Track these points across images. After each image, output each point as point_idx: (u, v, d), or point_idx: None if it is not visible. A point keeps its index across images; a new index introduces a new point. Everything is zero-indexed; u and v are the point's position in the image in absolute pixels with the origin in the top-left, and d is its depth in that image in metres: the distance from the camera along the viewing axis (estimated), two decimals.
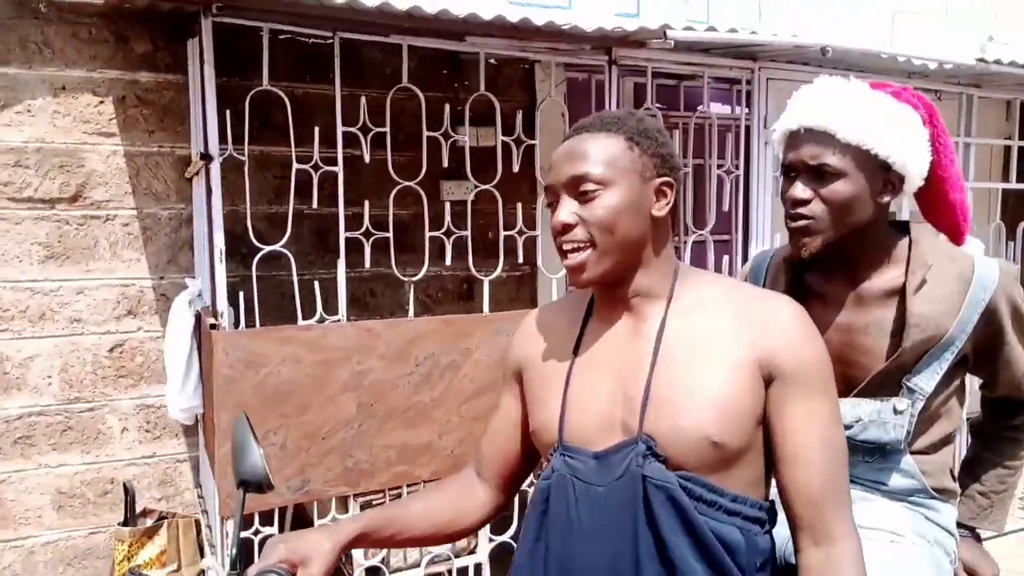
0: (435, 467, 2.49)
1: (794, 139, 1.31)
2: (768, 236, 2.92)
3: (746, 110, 3.95)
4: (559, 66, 3.12)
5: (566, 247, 1.10)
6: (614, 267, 1.10)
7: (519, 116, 2.68)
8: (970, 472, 1.52)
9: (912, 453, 1.37)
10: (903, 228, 1.41)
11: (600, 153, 1.08)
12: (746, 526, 1.05)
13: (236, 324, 2.37)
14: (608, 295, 1.16)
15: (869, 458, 1.38)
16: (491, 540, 2.65)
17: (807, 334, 1.07)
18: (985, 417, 1.52)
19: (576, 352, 1.18)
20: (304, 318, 2.41)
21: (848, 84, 1.33)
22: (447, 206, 2.73)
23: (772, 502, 1.11)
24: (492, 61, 2.93)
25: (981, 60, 2.74)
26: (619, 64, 2.68)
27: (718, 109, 3.29)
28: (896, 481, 1.37)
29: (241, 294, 2.36)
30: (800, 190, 1.29)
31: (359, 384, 2.38)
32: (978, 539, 1.53)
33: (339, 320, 2.43)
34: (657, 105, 2.88)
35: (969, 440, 1.60)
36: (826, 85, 1.33)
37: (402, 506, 1.29)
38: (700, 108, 3.03)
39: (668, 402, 1.05)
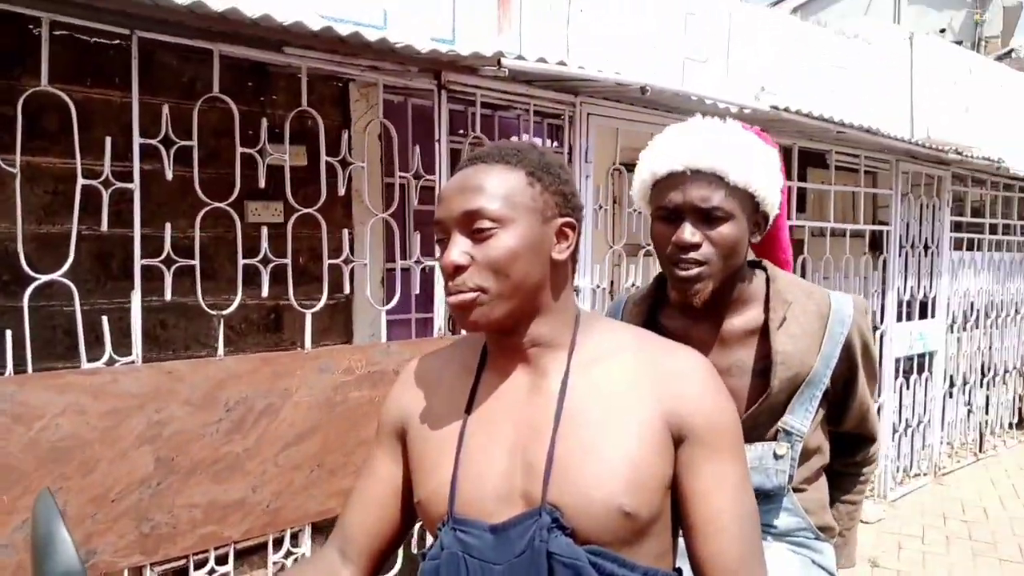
0: (248, 525, 2.22)
1: (677, 180, 1.25)
2: (590, 267, 2.97)
3: (555, 143, 4.04)
4: (373, 87, 2.98)
5: (452, 288, 0.98)
6: (508, 314, 0.99)
7: (344, 136, 2.49)
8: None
9: (794, 491, 1.38)
10: (758, 266, 1.42)
11: (498, 187, 0.98)
12: None
13: (2, 369, 1.95)
14: (503, 344, 1.05)
15: None
16: None
17: (717, 390, 1.01)
18: (832, 456, 1.53)
19: (469, 409, 1.05)
20: (89, 360, 2.04)
21: (725, 126, 1.31)
22: (257, 229, 2.47)
23: (679, 569, 1.05)
24: (300, 76, 2.71)
25: (774, 107, 3.02)
26: (447, 89, 2.59)
27: (535, 141, 3.32)
28: (783, 521, 1.37)
29: (9, 333, 1.94)
30: (690, 233, 1.24)
31: (157, 436, 2.06)
32: None
33: (133, 361, 2.08)
34: (480, 135, 2.83)
35: None
36: (704, 126, 1.30)
37: None
38: (525, 139, 3.03)
39: (574, 469, 0.95)
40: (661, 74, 3.84)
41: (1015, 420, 6.31)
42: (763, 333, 1.34)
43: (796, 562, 1.36)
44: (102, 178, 2.03)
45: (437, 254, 1.03)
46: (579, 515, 0.93)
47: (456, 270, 0.97)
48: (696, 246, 1.24)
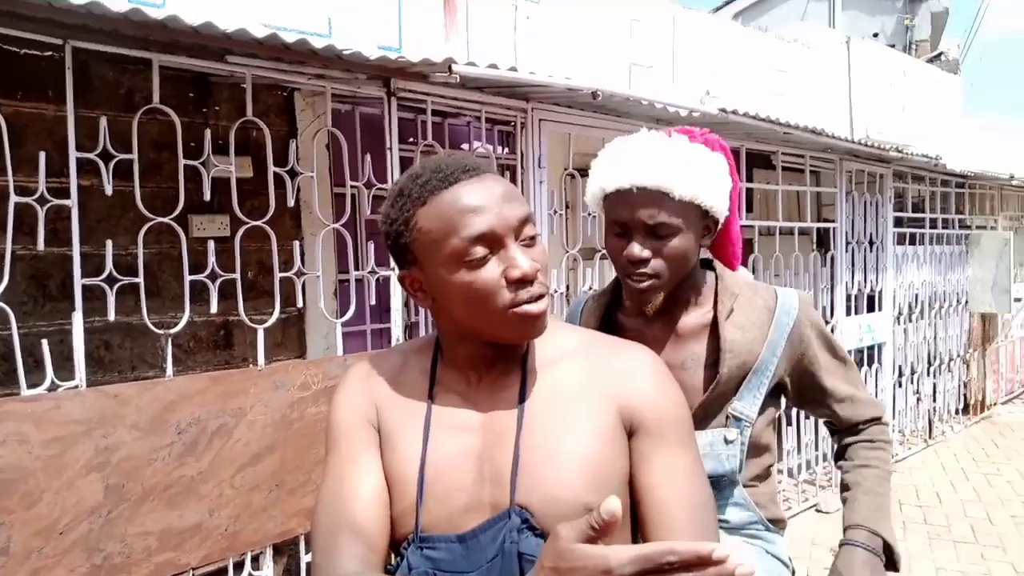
0: (207, 551, 2.13)
1: (625, 197, 1.30)
2: (551, 272, 2.96)
3: (505, 150, 4.02)
4: (320, 95, 2.92)
5: (529, 295, 0.95)
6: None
7: (292, 146, 2.43)
8: (849, 484, 1.47)
9: (744, 487, 1.41)
10: (708, 265, 1.47)
11: (522, 196, 1.01)
12: None
13: None
14: (465, 351, 1.03)
15: None
16: None
17: (665, 384, 1.03)
18: (839, 444, 1.54)
19: (428, 423, 1.02)
20: (29, 386, 1.94)
21: (670, 140, 1.34)
22: (202, 244, 2.39)
23: None
24: (243, 86, 2.64)
25: (722, 110, 3.06)
26: (397, 97, 2.55)
27: (482, 150, 3.29)
28: (734, 515, 1.40)
29: None
30: (639, 249, 1.29)
31: (106, 462, 1.97)
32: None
33: (76, 386, 1.99)
34: (432, 142, 2.79)
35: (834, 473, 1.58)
36: (648, 142, 1.33)
37: None
38: (477, 146, 3.01)
39: (540, 471, 0.95)
40: (609, 80, 3.85)
41: (961, 406, 6.50)
42: (714, 328, 1.40)
43: (752, 552, 1.39)
44: (37, 195, 1.94)
45: (516, 259, 0.95)
46: (547, 516, 0.93)
47: (533, 273, 0.96)
48: (645, 261, 1.29)
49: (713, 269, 1.46)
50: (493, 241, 0.95)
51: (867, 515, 1.38)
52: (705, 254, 1.46)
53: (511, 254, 0.95)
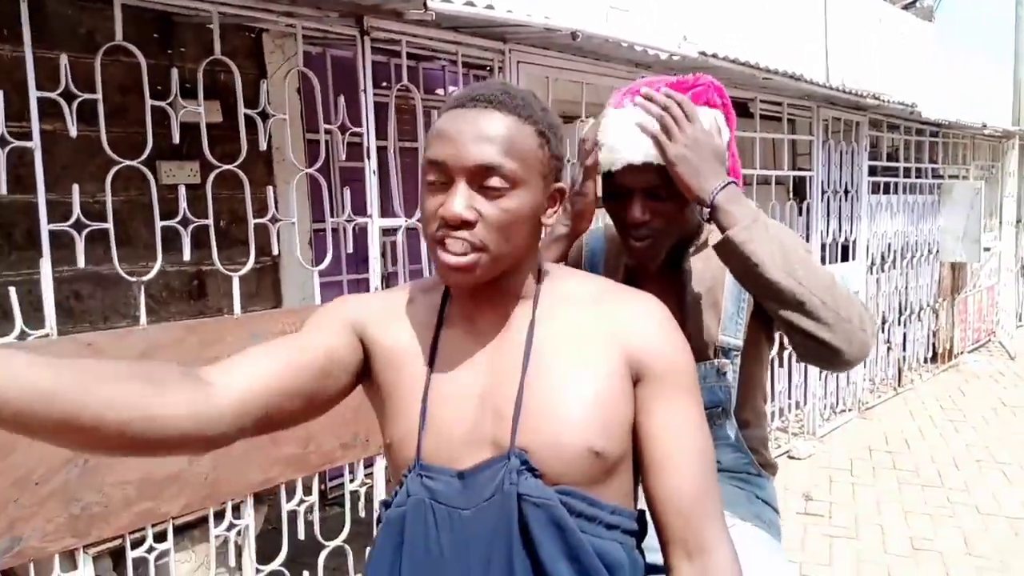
0: (186, 499, 2.11)
1: (624, 169, 1.29)
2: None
3: None
4: (290, 37, 2.83)
5: (451, 244, 0.92)
6: (498, 273, 0.97)
7: (263, 86, 2.35)
8: None
9: (739, 428, 1.41)
10: None
11: (515, 144, 0.92)
12: (626, 541, 0.98)
13: None
14: (472, 294, 1.01)
15: None
16: (259, 571, 2.33)
17: (672, 333, 1.03)
18: None
19: (435, 355, 1.02)
20: None
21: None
22: (172, 191, 2.31)
23: (642, 511, 1.04)
24: (209, 26, 2.53)
25: (702, 53, 3.02)
26: (371, 37, 2.47)
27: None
28: (728, 457, 1.40)
29: None
30: (639, 211, 1.31)
31: None
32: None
33: (48, 335, 1.93)
34: (408, 84, 2.72)
35: None
36: (642, 116, 1.29)
37: (86, 372, 0.78)
38: (452, 91, 2.93)
39: (544, 412, 0.94)
40: (587, 23, 3.78)
41: (929, 355, 6.64)
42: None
43: (742, 496, 1.41)
44: None
45: (423, 197, 0.95)
46: (550, 457, 0.93)
47: (462, 224, 0.91)
48: (645, 223, 1.31)
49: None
50: (444, 172, 0.92)
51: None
52: None
53: (452, 192, 0.92)
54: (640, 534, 1.02)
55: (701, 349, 1.37)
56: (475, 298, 1.02)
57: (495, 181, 0.91)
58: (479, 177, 0.91)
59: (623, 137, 1.30)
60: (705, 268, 1.38)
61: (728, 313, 1.38)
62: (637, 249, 1.35)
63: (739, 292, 1.36)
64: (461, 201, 0.91)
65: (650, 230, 1.32)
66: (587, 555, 0.91)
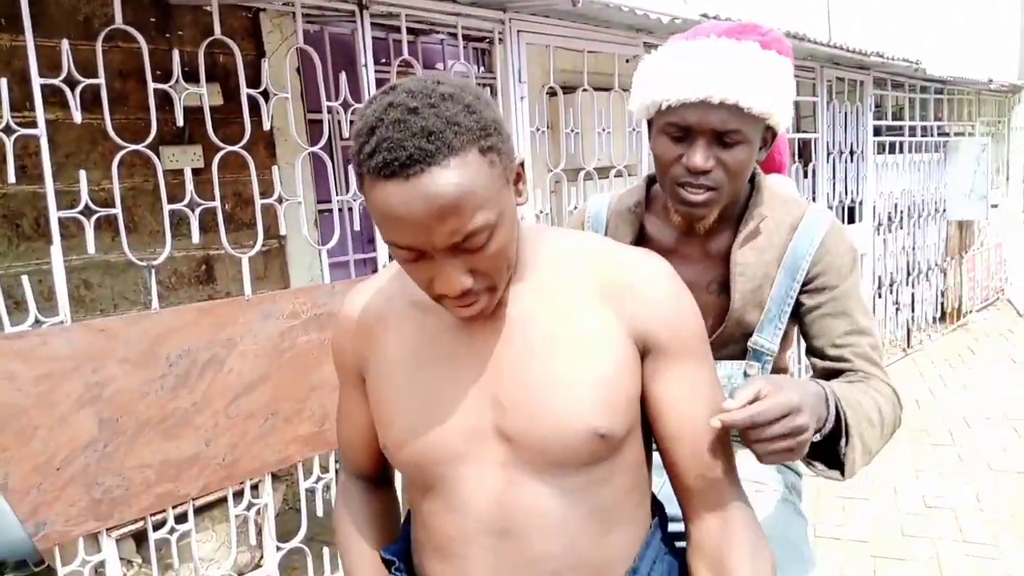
0: (205, 480, 2.14)
1: (691, 105, 1.16)
2: (531, 192, 2.92)
3: (481, 68, 3.91)
4: (288, 16, 2.80)
5: (461, 311, 0.90)
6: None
7: (264, 66, 2.33)
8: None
9: None
10: (751, 177, 1.34)
11: (474, 193, 0.80)
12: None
13: None
14: None
15: None
16: (279, 549, 2.37)
17: (679, 296, 0.97)
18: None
19: (425, 346, 0.98)
20: (12, 324, 1.89)
21: (742, 46, 1.19)
22: (177, 176, 2.31)
23: (660, 505, 1.09)
24: (207, 8, 2.51)
25: (704, 15, 2.98)
26: (370, 11, 2.45)
27: (462, 68, 3.20)
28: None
29: None
30: (703, 158, 1.17)
31: (98, 397, 1.95)
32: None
33: (61, 322, 1.95)
34: (408, 58, 2.70)
35: None
36: (720, 51, 1.18)
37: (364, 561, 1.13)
38: (453, 64, 2.91)
39: (547, 398, 0.91)
40: None
41: (938, 314, 6.62)
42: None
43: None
44: (2, 125, 1.85)
45: (406, 267, 0.89)
46: (555, 443, 0.90)
47: (463, 294, 0.87)
48: (708, 171, 1.18)
49: (751, 183, 1.32)
50: (421, 254, 0.85)
51: (842, 394, 1.14)
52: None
53: (439, 268, 0.85)
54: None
55: (735, 350, 1.31)
56: None
57: (476, 241, 0.83)
58: (457, 246, 0.83)
59: (691, 67, 1.16)
60: (758, 263, 1.27)
61: (770, 315, 1.28)
62: (691, 203, 1.20)
63: (785, 295, 1.27)
64: (454, 276, 0.85)
65: (712, 181, 1.18)
66: None
